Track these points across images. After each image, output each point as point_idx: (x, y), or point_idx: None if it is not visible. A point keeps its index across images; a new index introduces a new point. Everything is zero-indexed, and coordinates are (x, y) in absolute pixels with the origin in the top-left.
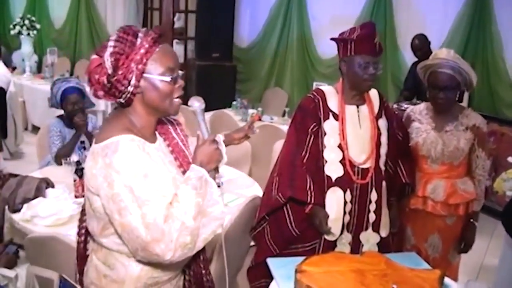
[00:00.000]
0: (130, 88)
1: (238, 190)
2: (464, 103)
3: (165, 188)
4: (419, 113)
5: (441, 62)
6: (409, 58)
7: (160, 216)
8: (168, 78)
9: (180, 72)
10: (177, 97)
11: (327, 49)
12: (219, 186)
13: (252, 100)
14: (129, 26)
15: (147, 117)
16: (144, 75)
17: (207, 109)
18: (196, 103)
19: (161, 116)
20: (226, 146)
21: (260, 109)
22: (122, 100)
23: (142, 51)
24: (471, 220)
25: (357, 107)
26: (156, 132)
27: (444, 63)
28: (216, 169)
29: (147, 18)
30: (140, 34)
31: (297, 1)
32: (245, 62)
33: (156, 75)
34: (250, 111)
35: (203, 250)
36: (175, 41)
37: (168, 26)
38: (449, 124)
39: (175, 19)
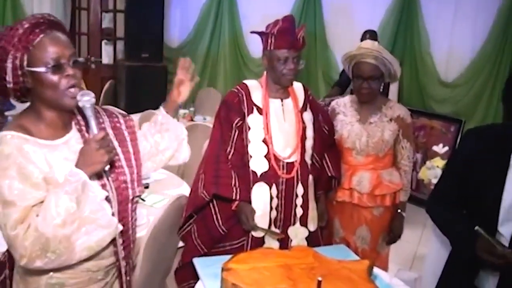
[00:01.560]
0: (10, 85)
1: (166, 190)
2: (394, 99)
3: (30, 191)
4: (343, 105)
5: (365, 52)
6: (339, 55)
7: (11, 220)
8: (44, 69)
9: (81, 60)
10: (71, 87)
11: (258, 48)
12: (146, 187)
13: (185, 100)
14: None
15: (48, 112)
16: (27, 69)
17: (137, 110)
18: (86, 97)
19: (63, 109)
20: (173, 111)
21: (192, 109)
22: (13, 98)
23: (16, 44)
24: (399, 210)
25: (282, 100)
26: (75, 127)
27: (368, 53)
28: (107, 171)
29: (75, 18)
30: (19, 27)
31: (228, 0)
32: (176, 62)
33: (38, 67)
34: (182, 111)
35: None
36: (103, 41)
37: (96, 26)
38: (373, 116)
39: (105, 19)
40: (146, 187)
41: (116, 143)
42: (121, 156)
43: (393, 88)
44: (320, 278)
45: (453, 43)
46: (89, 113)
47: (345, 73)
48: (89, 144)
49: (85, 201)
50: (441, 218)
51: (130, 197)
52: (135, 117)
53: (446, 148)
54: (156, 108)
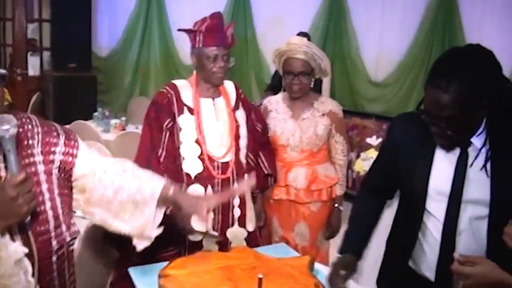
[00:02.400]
0: None
1: None
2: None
3: None
4: (275, 103)
5: (294, 48)
6: (269, 58)
7: None
8: None
9: (2, 72)
10: None
11: (188, 52)
12: None
13: (116, 110)
14: None
15: None
16: None
17: (66, 122)
18: (5, 125)
19: None
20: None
21: (123, 118)
22: None
23: None
24: (336, 205)
25: (213, 99)
26: None
27: (298, 49)
28: (26, 224)
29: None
30: None
31: (157, 6)
32: (106, 72)
33: None
34: (113, 121)
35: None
36: (29, 53)
37: (21, 37)
38: (306, 112)
39: (29, 29)
40: None
41: (43, 177)
42: (46, 195)
43: (325, 88)
44: (260, 276)
45: (382, 45)
46: (7, 147)
47: (277, 76)
48: (3, 190)
49: None
50: (353, 210)
51: (55, 249)
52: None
53: (380, 139)
54: (87, 119)
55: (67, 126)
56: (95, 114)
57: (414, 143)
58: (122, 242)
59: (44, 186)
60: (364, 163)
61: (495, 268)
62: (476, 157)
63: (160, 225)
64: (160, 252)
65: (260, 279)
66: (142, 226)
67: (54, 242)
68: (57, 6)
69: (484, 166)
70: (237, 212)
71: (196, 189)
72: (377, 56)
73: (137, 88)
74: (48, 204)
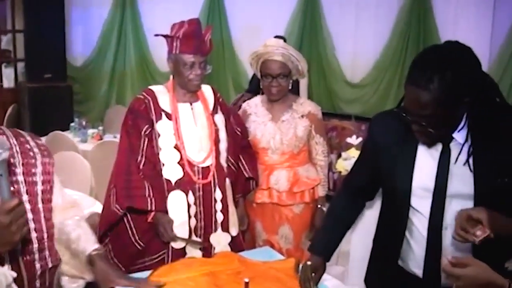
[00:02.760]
0: None
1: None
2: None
3: None
4: (254, 106)
5: (271, 50)
6: (246, 62)
7: None
8: None
9: None
10: None
11: (166, 62)
12: None
13: (93, 120)
14: None
15: None
16: None
17: (43, 133)
18: None
19: None
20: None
21: (100, 128)
22: None
23: None
24: (319, 205)
25: (191, 104)
26: None
27: (275, 51)
28: (17, 251)
29: None
30: None
31: (131, 14)
32: (81, 81)
33: None
34: (90, 131)
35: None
36: (3, 64)
37: None
38: (285, 114)
39: (3, 40)
40: None
41: (25, 197)
42: (29, 215)
43: (303, 91)
44: (247, 280)
45: (357, 46)
46: None
47: (254, 81)
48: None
49: None
50: (329, 209)
51: (38, 273)
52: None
53: (360, 139)
54: (64, 129)
55: (44, 138)
56: (72, 124)
57: (395, 141)
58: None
59: (28, 207)
60: (345, 163)
61: (486, 269)
62: (459, 153)
63: (143, 233)
64: (142, 261)
65: (247, 283)
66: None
67: (37, 266)
68: (31, 17)
69: (467, 161)
70: (219, 217)
71: (177, 195)
72: (353, 57)
73: (114, 96)
74: (32, 225)
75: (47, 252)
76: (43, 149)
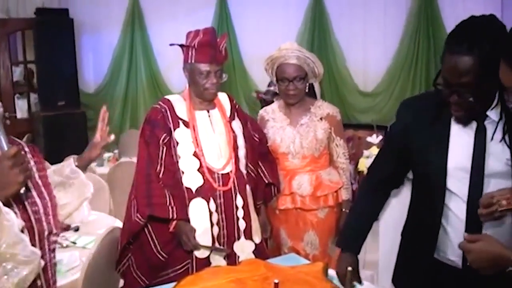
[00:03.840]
0: None
1: (98, 231)
2: None
3: None
4: (272, 112)
5: (287, 54)
6: (256, 76)
7: None
8: None
9: None
10: None
11: (177, 83)
12: (76, 230)
13: (108, 145)
14: None
15: None
16: None
17: (59, 161)
18: None
19: None
20: (85, 166)
21: (116, 151)
22: None
23: None
24: (343, 209)
25: (208, 111)
26: None
27: (290, 54)
28: (22, 194)
29: None
30: None
31: (140, 38)
32: (95, 108)
33: None
34: (106, 155)
35: None
36: (16, 96)
37: (7, 80)
38: (303, 117)
39: (16, 72)
40: (76, 229)
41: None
42: (30, 184)
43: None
44: (276, 281)
45: (367, 54)
46: None
47: (269, 92)
48: (0, 162)
49: (0, 232)
50: (355, 203)
51: (46, 232)
52: (56, 167)
53: (380, 137)
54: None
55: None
56: None
57: (426, 122)
58: (128, 269)
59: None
60: (367, 161)
61: (495, 243)
62: (495, 130)
63: (165, 244)
64: (166, 273)
65: (276, 283)
66: (77, 195)
67: (45, 226)
68: (41, 47)
69: (503, 138)
70: (242, 224)
71: (198, 203)
72: (364, 66)
73: (127, 121)
74: (31, 188)
75: (51, 218)
76: (31, 148)
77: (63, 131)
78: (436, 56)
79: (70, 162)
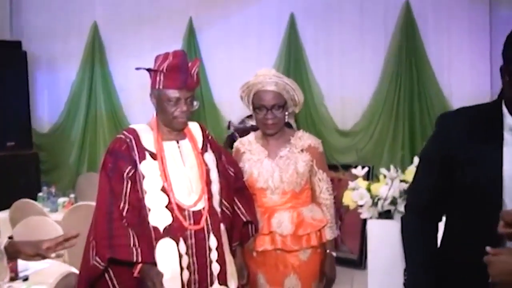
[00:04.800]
0: None
1: (51, 280)
2: None
3: None
4: (248, 143)
5: (264, 80)
6: (226, 113)
7: None
8: None
9: None
10: None
11: (142, 121)
12: (25, 279)
13: (64, 188)
14: None
15: None
16: None
17: (8, 206)
18: None
19: None
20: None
21: (72, 195)
22: None
23: None
24: (327, 250)
25: (177, 142)
26: None
27: (268, 80)
28: None
29: None
30: None
31: (101, 74)
32: (48, 149)
33: None
34: (61, 200)
35: None
36: None
37: None
38: (283, 149)
39: None
40: (25, 279)
41: None
42: None
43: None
44: None
45: (345, 91)
46: None
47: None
48: None
49: None
50: (406, 238)
51: None
52: (4, 214)
53: (366, 168)
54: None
55: (7, 211)
56: (40, 194)
57: (473, 135)
58: None
59: None
60: (354, 194)
61: None
62: None
63: None
64: None
65: None
66: None
67: None
68: None
69: None
70: (216, 268)
71: (166, 244)
72: (342, 103)
73: (85, 163)
74: None
75: None
76: None
77: (12, 173)
78: (420, 93)
79: (1, 242)
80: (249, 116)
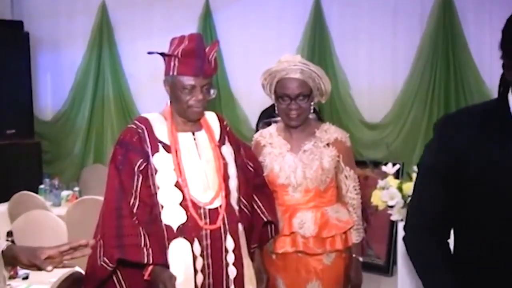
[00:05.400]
0: None
1: (52, 278)
2: None
3: None
4: (269, 136)
5: (288, 67)
6: (245, 105)
7: None
8: None
9: None
10: None
11: (152, 110)
12: (25, 278)
13: (67, 180)
14: None
15: None
16: None
17: (7, 198)
18: None
19: None
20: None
21: (76, 189)
22: None
23: None
24: (353, 255)
25: (193, 134)
26: None
27: (292, 67)
28: None
29: None
30: None
31: (109, 58)
32: (51, 138)
33: None
34: (64, 193)
35: None
36: None
37: None
38: (307, 143)
39: None
40: (25, 277)
41: None
42: None
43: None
44: None
45: (374, 81)
46: None
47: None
48: None
49: None
50: (420, 259)
51: None
52: (3, 207)
53: (398, 166)
54: (31, 190)
55: (6, 204)
56: (41, 186)
57: (485, 137)
58: None
59: None
60: (383, 194)
61: None
62: None
63: None
64: None
65: None
66: None
67: None
68: None
69: None
70: (232, 272)
71: (180, 244)
72: (370, 93)
73: (90, 154)
74: None
75: None
76: None
77: (12, 163)
78: (458, 81)
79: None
80: None
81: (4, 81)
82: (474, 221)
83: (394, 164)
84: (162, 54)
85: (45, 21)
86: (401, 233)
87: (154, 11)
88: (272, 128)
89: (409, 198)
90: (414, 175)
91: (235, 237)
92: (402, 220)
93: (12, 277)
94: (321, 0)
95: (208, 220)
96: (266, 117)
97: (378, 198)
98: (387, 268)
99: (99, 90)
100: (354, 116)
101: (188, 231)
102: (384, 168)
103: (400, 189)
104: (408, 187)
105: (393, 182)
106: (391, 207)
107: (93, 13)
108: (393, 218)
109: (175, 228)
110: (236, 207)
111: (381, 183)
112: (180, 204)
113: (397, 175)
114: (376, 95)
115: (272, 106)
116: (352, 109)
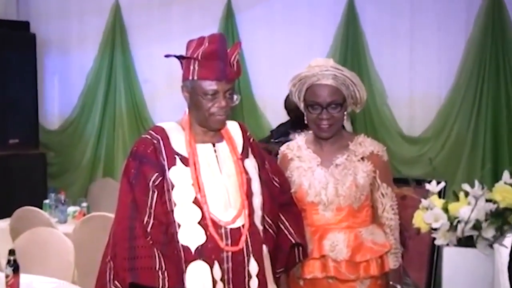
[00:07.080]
0: None
1: None
2: None
3: None
4: (297, 148)
5: (319, 72)
6: (272, 117)
7: None
8: None
9: None
10: None
11: (168, 118)
12: None
13: (75, 195)
14: None
15: None
16: None
17: (10, 213)
18: None
19: None
20: None
21: (84, 204)
22: None
23: None
24: (391, 282)
25: (214, 145)
26: None
27: (324, 73)
28: None
29: None
30: None
31: (122, 62)
32: (58, 149)
33: None
34: (71, 209)
35: None
36: None
37: None
38: (339, 156)
39: None
40: None
41: None
42: None
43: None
44: None
45: (414, 90)
46: None
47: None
48: None
49: None
50: None
51: None
52: (4, 223)
53: (443, 183)
54: (35, 206)
55: (8, 220)
56: (46, 201)
57: None
58: None
59: None
60: (426, 215)
61: None
62: None
63: None
64: None
65: None
66: None
67: None
68: None
69: None
70: None
71: (198, 267)
72: (409, 103)
73: (100, 167)
74: None
75: None
76: None
77: (15, 175)
78: (508, 90)
79: None
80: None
81: (8, 86)
82: None
83: (438, 182)
84: (179, 57)
85: (53, 22)
86: (447, 259)
87: (172, 12)
88: (300, 139)
89: (456, 220)
90: (461, 194)
91: (259, 260)
92: (448, 244)
93: None
94: (355, 0)
95: (229, 241)
96: (280, 134)
97: (420, 219)
98: None
99: (110, 96)
100: (391, 128)
101: (207, 252)
102: (427, 186)
103: (445, 210)
104: (455, 208)
105: (437, 202)
106: (435, 229)
107: (105, 13)
108: (437, 242)
109: (193, 250)
110: (260, 227)
111: (424, 202)
112: (199, 223)
113: (439, 194)
114: (416, 106)
115: (289, 120)
116: (389, 121)
